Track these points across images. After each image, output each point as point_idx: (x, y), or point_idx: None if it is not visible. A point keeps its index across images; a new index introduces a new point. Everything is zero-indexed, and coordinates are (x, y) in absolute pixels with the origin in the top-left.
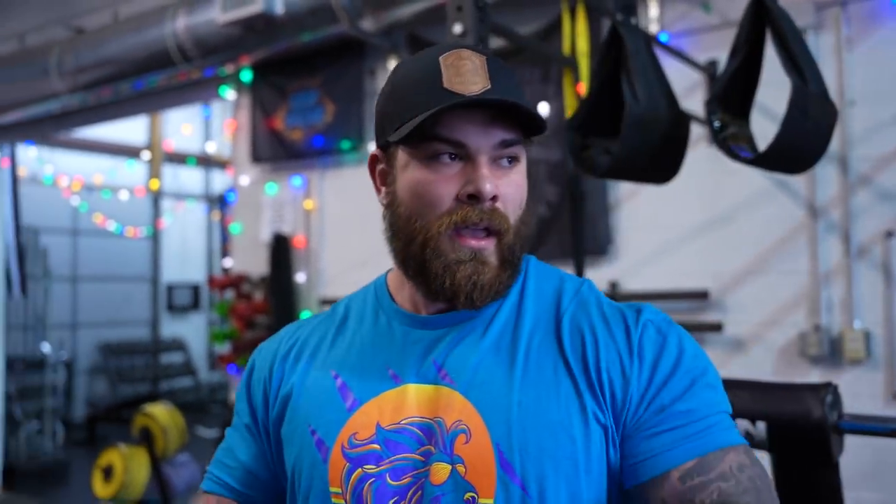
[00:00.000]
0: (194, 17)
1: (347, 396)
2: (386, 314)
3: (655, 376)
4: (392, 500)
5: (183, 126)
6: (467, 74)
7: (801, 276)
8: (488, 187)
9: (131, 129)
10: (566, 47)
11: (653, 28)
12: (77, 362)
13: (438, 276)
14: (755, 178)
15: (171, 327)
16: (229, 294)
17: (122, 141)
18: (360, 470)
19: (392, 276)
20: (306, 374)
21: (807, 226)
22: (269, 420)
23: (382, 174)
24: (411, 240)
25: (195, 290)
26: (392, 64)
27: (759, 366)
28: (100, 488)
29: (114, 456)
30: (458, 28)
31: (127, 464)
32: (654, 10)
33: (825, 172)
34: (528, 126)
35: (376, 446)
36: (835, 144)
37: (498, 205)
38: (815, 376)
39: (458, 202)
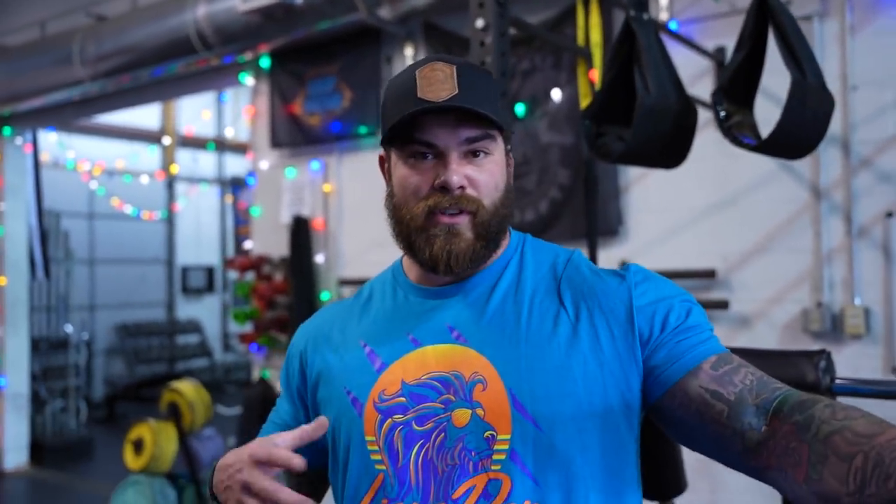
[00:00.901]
0: (214, 4)
1: (375, 360)
2: (403, 289)
3: (659, 306)
4: (419, 443)
5: (201, 112)
6: (437, 83)
7: (804, 255)
8: (455, 179)
9: (147, 115)
10: (580, 38)
11: (663, 16)
12: (95, 343)
13: (421, 249)
14: (761, 161)
15: (186, 309)
16: (250, 275)
17: (136, 126)
18: (390, 420)
19: (405, 258)
20: (339, 347)
21: (810, 207)
22: (307, 388)
23: (387, 171)
24: (401, 222)
25: (209, 272)
26: (408, 51)
27: (763, 342)
28: (131, 460)
29: (144, 430)
30: (480, 23)
31: (156, 437)
32: None
33: (828, 155)
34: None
35: (402, 399)
36: (837, 128)
37: (469, 191)
38: None
39: (433, 190)
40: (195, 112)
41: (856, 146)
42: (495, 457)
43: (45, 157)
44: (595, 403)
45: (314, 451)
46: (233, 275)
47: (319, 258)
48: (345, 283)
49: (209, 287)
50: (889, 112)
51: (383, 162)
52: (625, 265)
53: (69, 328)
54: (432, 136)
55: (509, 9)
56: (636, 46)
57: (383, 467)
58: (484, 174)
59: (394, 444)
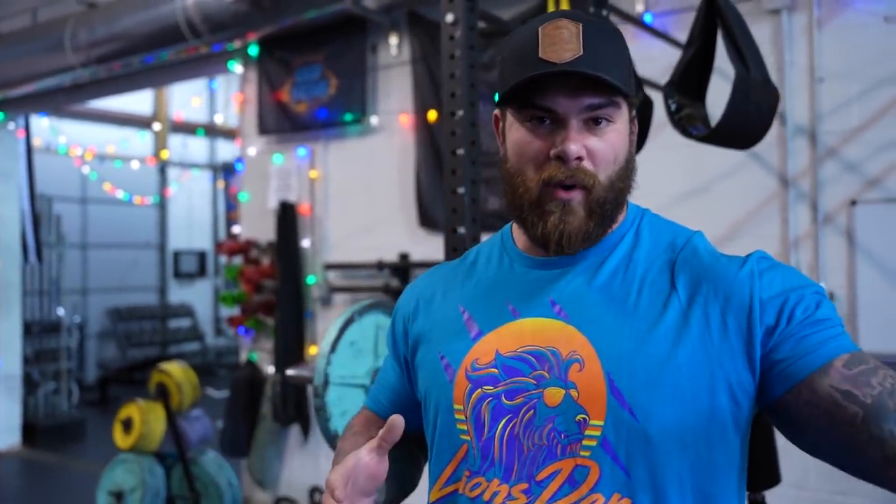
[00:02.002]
0: None
1: (472, 327)
2: (509, 256)
3: (787, 296)
4: (506, 418)
5: (191, 98)
6: (560, 43)
7: (772, 241)
8: (572, 148)
9: (139, 100)
10: None
11: (639, 8)
12: (88, 326)
13: (533, 225)
14: (731, 151)
15: (179, 293)
16: (238, 259)
17: (129, 111)
18: (479, 390)
19: (515, 224)
20: (439, 310)
21: (778, 195)
22: (409, 350)
23: (501, 132)
24: (514, 191)
25: (201, 256)
26: (393, 40)
27: None
28: (120, 439)
29: (133, 409)
30: (450, 17)
31: (145, 417)
32: None
33: (796, 145)
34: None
35: (495, 370)
36: (804, 119)
37: (585, 163)
38: None
39: (548, 160)
40: (186, 98)
41: (822, 136)
42: (585, 442)
43: (37, 141)
44: (699, 397)
45: (412, 410)
46: (224, 259)
47: (305, 243)
48: (330, 267)
49: (201, 272)
50: (854, 104)
51: (498, 121)
52: (750, 253)
53: (61, 311)
54: (552, 102)
55: (478, 3)
56: (725, 21)
57: (468, 438)
58: (604, 144)
59: (481, 415)
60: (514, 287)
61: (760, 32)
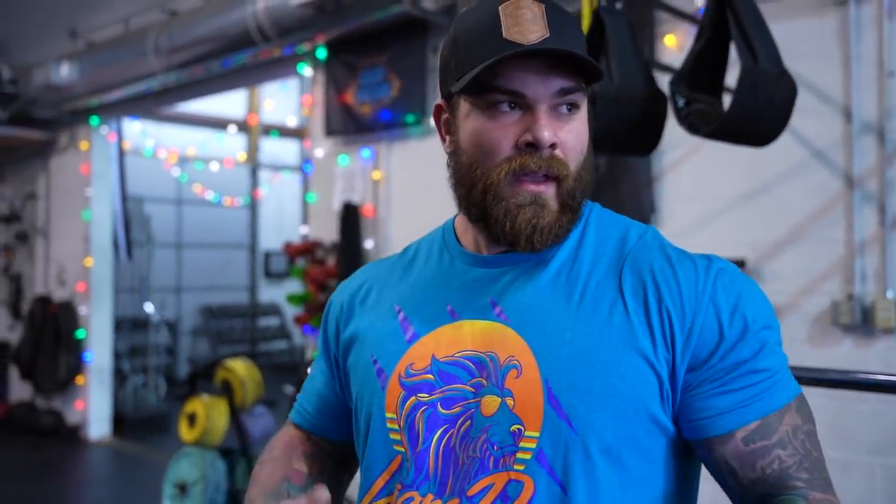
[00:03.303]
0: None
1: (408, 329)
2: (450, 253)
3: (730, 329)
4: (442, 428)
5: (267, 100)
6: (525, 23)
7: (836, 245)
8: (546, 135)
9: (230, 103)
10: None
11: (697, 3)
12: (181, 324)
13: (499, 221)
14: (793, 150)
15: (268, 292)
16: (303, 260)
17: (219, 115)
18: (413, 398)
19: (459, 219)
20: (373, 310)
21: (843, 196)
22: (340, 352)
23: (447, 123)
24: (472, 186)
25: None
26: None
27: (792, 334)
28: (185, 433)
29: (197, 405)
30: None
31: (208, 412)
32: None
33: (862, 143)
34: (587, 73)
35: (430, 376)
36: (873, 115)
37: (557, 152)
38: (847, 345)
39: (517, 150)
40: (278, 101)
41: (891, 134)
42: (519, 455)
43: (126, 144)
44: (640, 409)
45: (339, 420)
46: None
47: (368, 243)
48: None
49: (290, 272)
50: None
51: (440, 112)
52: (710, 258)
53: (150, 308)
54: (520, 85)
55: None
56: (605, 35)
57: (401, 449)
58: (571, 134)
59: (415, 425)
60: (454, 286)
61: (825, 24)
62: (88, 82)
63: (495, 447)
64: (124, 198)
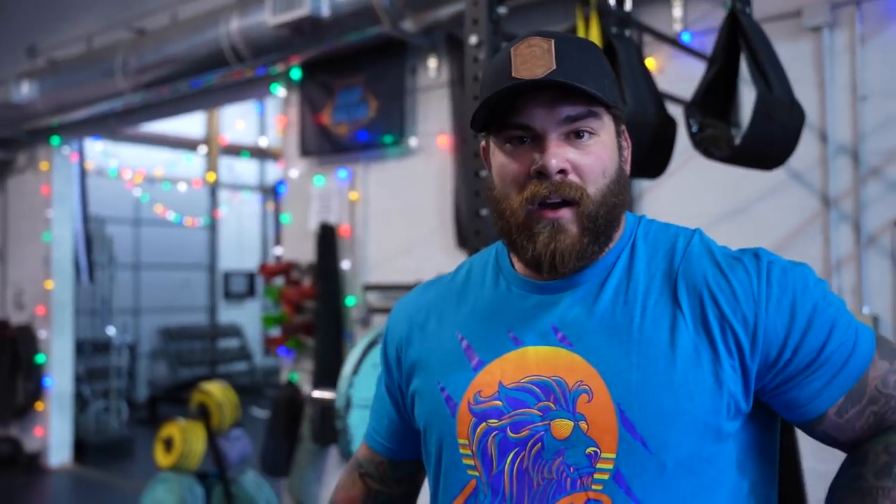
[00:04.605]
0: (246, 19)
1: (472, 357)
2: (506, 279)
3: (794, 324)
4: (514, 451)
5: (237, 121)
6: (532, 60)
7: (813, 263)
8: (554, 162)
9: (190, 124)
10: None
11: (676, 27)
12: (139, 346)
13: (523, 248)
14: (771, 171)
15: (228, 313)
16: (279, 280)
17: (181, 134)
18: (484, 424)
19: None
20: (434, 337)
21: (819, 216)
22: (403, 378)
23: (485, 157)
24: (502, 216)
25: (251, 277)
26: (432, 63)
27: None
28: (161, 458)
29: (174, 429)
30: (473, 39)
31: (185, 436)
32: (677, 11)
33: (838, 165)
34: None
35: (499, 402)
36: (847, 138)
37: (570, 177)
38: None
39: (529, 178)
40: (231, 122)
41: (865, 156)
42: (597, 476)
43: (89, 165)
44: (710, 423)
45: (407, 441)
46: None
47: (345, 264)
48: (369, 288)
49: (250, 292)
50: None
51: (486, 152)
52: (756, 253)
53: (112, 331)
54: (528, 118)
55: (503, 25)
56: (616, 60)
57: (476, 473)
58: (589, 157)
59: (488, 450)
60: (514, 313)
61: (800, 50)
62: (50, 101)
63: (572, 469)
64: (86, 219)
